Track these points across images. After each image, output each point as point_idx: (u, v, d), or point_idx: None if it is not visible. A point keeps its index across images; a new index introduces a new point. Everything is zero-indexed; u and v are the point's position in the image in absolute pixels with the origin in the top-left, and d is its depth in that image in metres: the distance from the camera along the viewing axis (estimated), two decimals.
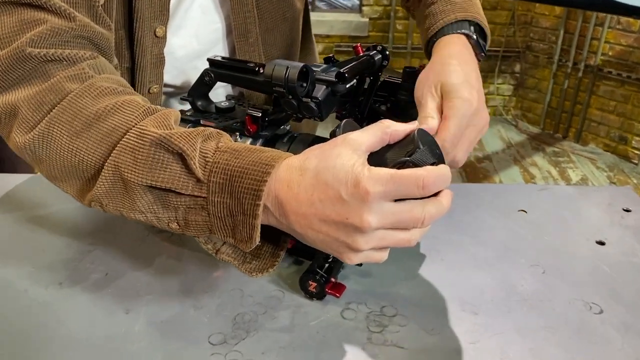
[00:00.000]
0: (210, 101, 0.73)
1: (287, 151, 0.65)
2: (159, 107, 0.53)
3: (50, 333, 0.60)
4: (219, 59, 0.68)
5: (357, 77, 0.63)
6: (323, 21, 3.33)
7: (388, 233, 0.45)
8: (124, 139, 0.49)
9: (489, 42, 0.73)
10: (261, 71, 0.63)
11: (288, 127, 0.72)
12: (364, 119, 0.66)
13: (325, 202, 0.44)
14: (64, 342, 0.59)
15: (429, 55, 0.70)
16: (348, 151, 0.44)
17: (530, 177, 2.96)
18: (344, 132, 0.48)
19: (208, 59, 0.69)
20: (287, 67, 0.56)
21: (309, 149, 0.47)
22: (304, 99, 0.59)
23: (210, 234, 0.50)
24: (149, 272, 0.69)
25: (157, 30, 0.71)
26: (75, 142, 0.50)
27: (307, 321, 0.62)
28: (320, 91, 0.59)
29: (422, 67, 0.68)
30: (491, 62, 3.49)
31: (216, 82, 0.70)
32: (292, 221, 0.47)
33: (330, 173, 0.43)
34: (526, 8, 3.34)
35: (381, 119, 0.66)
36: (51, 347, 0.59)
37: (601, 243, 0.76)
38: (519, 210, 0.82)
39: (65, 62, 0.52)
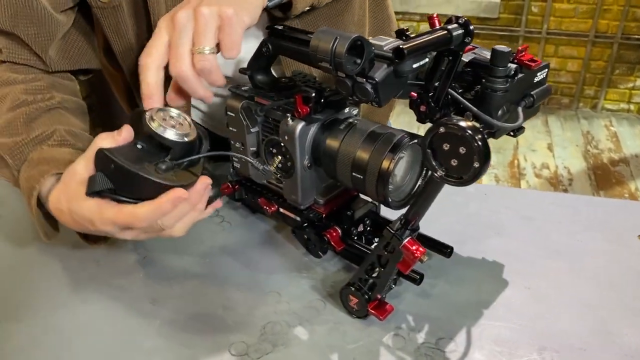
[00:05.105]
0: (271, 76, 0.64)
1: (342, 141, 0.55)
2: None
3: (72, 312, 0.57)
4: (280, 27, 0.59)
5: (431, 56, 0.51)
6: (449, 0, 3.11)
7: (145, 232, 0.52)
8: None
9: None
10: None
11: (355, 112, 0.62)
12: (438, 109, 0.54)
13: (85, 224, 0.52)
14: (78, 325, 0.55)
15: None
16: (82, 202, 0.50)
17: None
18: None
19: (267, 27, 0.60)
20: (336, 38, 0.46)
21: (57, 188, 0.54)
22: (358, 79, 0.48)
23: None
24: (188, 259, 0.64)
25: None
26: None
27: (345, 343, 0.53)
28: (379, 70, 0.48)
29: (525, 48, 0.54)
30: None
31: (276, 54, 0.61)
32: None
33: (79, 215, 0.51)
34: None
35: (466, 112, 0.54)
36: (66, 329, 0.55)
37: None
38: (638, 236, 0.66)
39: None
